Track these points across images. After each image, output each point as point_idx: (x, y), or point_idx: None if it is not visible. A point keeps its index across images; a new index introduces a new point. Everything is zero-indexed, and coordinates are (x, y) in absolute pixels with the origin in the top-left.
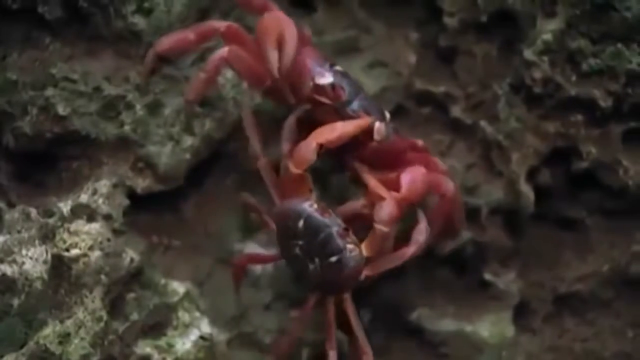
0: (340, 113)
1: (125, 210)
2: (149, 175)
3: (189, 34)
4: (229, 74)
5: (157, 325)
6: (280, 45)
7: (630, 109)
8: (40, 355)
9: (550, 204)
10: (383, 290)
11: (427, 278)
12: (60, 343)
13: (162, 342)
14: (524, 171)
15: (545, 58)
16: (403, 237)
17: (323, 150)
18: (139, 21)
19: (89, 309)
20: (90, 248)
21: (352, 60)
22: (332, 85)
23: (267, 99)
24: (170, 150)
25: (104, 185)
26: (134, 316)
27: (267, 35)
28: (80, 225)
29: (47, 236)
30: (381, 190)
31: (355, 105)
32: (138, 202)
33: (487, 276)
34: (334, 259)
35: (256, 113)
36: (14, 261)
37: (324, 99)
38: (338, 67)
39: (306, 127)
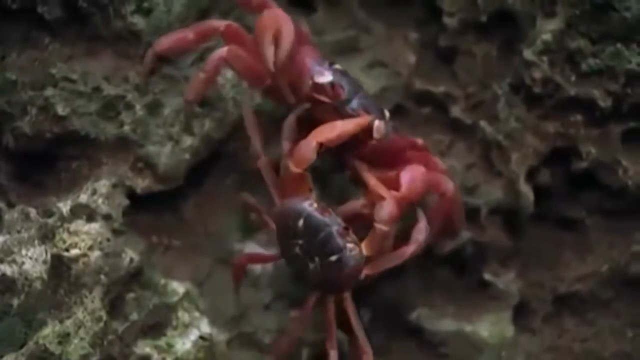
0: (339, 112)
1: (125, 210)
2: (148, 175)
3: (188, 34)
4: (228, 74)
5: (156, 325)
6: (276, 41)
7: (630, 109)
8: (40, 355)
9: (550, 204)
10: (383, 290)
11: (427, 278)
12: (59, 343)
13: (161, 342)
14: (523, 171)
15: (545, 58)
16: (403, 236)
17: (323, 149)
18: (139, 21)
19: (88, 309)
20: (90, 248)
21: (351, 60)
22: (332, 84)
23: (267, 98)
24: (170, 150)
25: (103, 185)
26: (134, 316)
27: (264, 31)
28: (79, 225)
29: (46, 236)
30: (381, 190)
31: (354, 103)
32: (138, 202)
33: (487, 276)
34: (334, 258)
35: (256, 113)
36: (14, 261)
37: (323, 98)
38: (337, 66)
39: (306, 126)
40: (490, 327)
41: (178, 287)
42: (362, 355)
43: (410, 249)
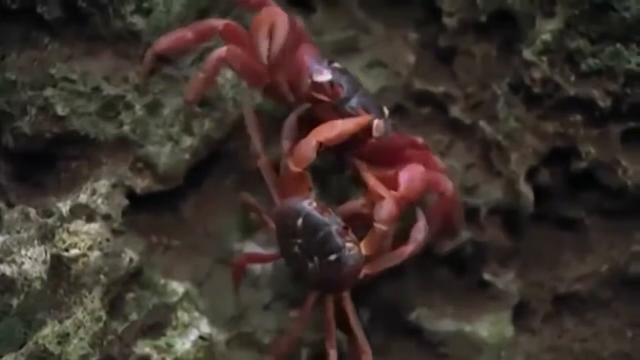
0: (339, 110)
1: (125, 210)
2: (148, 175)
3: (188, 33)
4: (228, 74)
5: (156, 326)
6: (271, 35)
7: (629, 109)
8: (40, 355)
9: (550, 204)
10: (382, 290)
11: (427, 278)
12: (59, 343)
13: (161, 342)
14: (523, 171)
15: (545, 58)
16: (402, 236)
17: (323, 148)
18: (138, 21)
19: (88, 309)
20: (90, 248)
21: (351, 60)
22: (331, 83)
23: (267, 98)
24: (170, 150)
25: (103, 185)
26: (133, 316)
27: (259, 26)
28: (79, 225)
29: (46, 236)
30: (380, 189)
31: (353, 102)
32: (137, 202)
33: (487, 276)
34: (333, 257)
35: (256, 112)
36: (13, 261)
37: (322, 97)
38: (336, 64)
39: (306, 125)
40: (489, 327)
41: (178, 287)
42: (362, 355)
43: (409, 249)
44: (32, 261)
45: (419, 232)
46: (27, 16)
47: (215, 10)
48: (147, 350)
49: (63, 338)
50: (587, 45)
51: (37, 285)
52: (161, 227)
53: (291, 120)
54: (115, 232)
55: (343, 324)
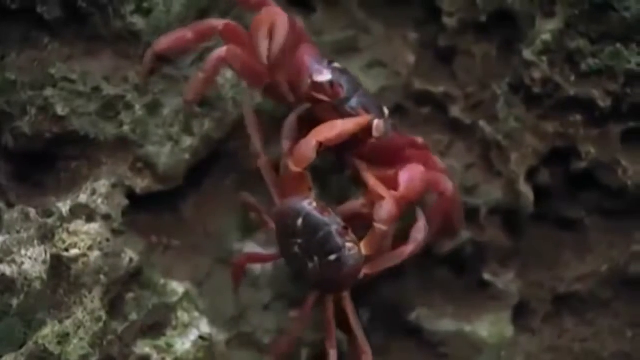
0: (339, 110)
1: (125, 210)
2: (148, 175)
3: (187, 33)
4: (228, 74)
5: (156, 326)
6: (271, 35)
7: (629, 109)
8: (39, 356)
9: (550, 204)
10: (382, 290)
11: (426, 278)
12: (59, 343)
13: (161, 342)
14: (523, 171)
15: (545, 58)
16: (402, 236)
17: (323, 148)
18: (138, 21)
19: (88, 309)
20: (90, 248)
21: (351, 60)
22: (331, 83)
23: (267, 98)
24: (170, 151)
25: (103, 185)
26: (133, 316)
27: (259, 26)
28: (79, 225)
29: (46, 236)
30: (380, 189)
31: (353, 102)
32: (137, 202)
33: (487, 276)
34: (333, 257)
35: (256, 112)
36: (13, 261)
37: (322, 97)
38: (336, 64)
39: (306, 125)
40: (489, 327)
41: (177, 287)
42: (362, 355)
43: (409, 249)
44: (32, 261)
45: (419, 232)
46: (27, 16)
47: (215, 10)
48: (147, 350)
49: (63, 338)
50: (587, 45)
51: (37, 285)
52: (161, 227)
53: (291, 120)
54: (115, 232)
55: (343, 324)
